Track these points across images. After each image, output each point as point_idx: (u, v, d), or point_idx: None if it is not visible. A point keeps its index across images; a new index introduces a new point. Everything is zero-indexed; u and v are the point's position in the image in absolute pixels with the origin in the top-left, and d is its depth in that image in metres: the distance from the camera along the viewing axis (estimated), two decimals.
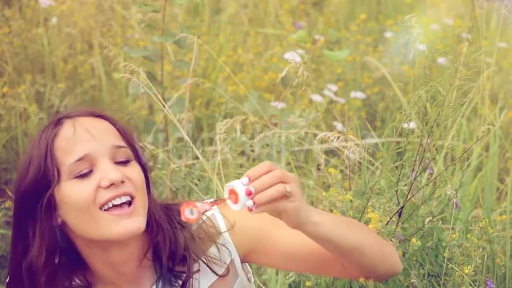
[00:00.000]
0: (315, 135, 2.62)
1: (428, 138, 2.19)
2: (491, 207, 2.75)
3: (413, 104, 2.11)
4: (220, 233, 1.83)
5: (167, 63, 3.83)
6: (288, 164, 2.91)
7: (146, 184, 1.78)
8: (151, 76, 2.96)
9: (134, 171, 1.74)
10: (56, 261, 1.75)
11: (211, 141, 3.44)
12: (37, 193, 1.75)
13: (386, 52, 4.54)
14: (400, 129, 2.19)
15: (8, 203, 3.26)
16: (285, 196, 1.61)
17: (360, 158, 2.38)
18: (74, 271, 1.79)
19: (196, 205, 1.64)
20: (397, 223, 2.25)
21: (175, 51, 4.12)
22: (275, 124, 3.07)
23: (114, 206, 1.70)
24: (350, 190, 2.44)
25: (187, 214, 1.64)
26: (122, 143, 1.78)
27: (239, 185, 1.59)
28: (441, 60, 3.18)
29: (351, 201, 2.31)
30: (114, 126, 1.82)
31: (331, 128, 3.58)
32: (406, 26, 2.55)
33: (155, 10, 3.11)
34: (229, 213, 1.85)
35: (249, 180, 1.60)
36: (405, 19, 2.56)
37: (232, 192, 1.60)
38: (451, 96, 2.18)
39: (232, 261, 1.84)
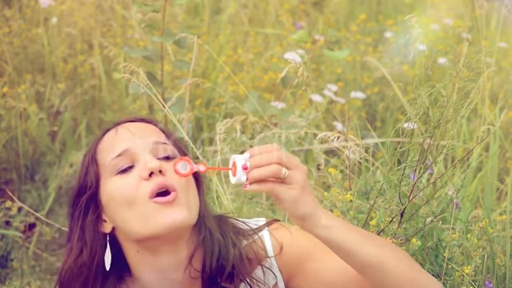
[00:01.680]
0: (315, 135, 2.62)
1: (430, 140, 2.19)
2: (491, 207, 2.75)
3: (418, 106, 2.10)
4: (268, 257, 1.81)
5: (167, 63, 3.83)
6: None
7: (197, 186, 1.77)
8: (151, 76, 2.96)
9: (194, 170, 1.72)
10: (104, 267, 1.75)
11: (211, 141, 3.44)
12: (80, 198, 1.77)
13: (386, 52, 4.54)
14: (401, 130, 2.19)
15: (8, 203, 3.26)
16: (281, 180, 1.59)
17: (360, 158, 2.38)
18: (120, 281, 1.79)
19: (191, 162, 1.64)
20: (399, 223, 2.25)
21: (175, 51, 4.12)
22: (275, 124, 3.07)
23: (157, 195, 1.68)
24: (350, 190, 2.44)
25: (179, 167, 1.64)
26: (165, 141, 1.78)
27: (240, 159, 1.59)
28: (441, 60, 3.18)
29: (351, 201, 2.31)
30: (158, 127, 1.82)
31: (331, 128, 3.58)
32: (406, 26, 2.54)
33: (155, 10, 3.11)
34: (278, 234, 1.83)
35: (250, 156, 1.59)
36: (405, 19, 2.56)
37: (234, 165, 1.60)
38: (452, 97, 2.18)
39: (276, 284, 1.82)
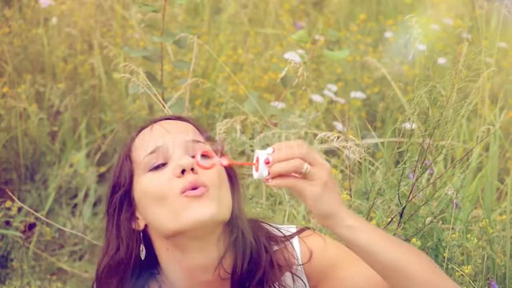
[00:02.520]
0: (315, 135, 2.62)
1: (430, 139, 2.19)
2: (491, 207, 2.75)
3: (414, 105, 2.11)
4: (298, 265, 1.80)
5: (167, 63, 3.82)
6: None
7: (232, 187, 1.77)
8: (151, 76, 2.96)
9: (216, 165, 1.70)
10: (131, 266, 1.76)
11: None
12: (114, 196, 1.78)
13: (386, 52, 4.53)
14: (400, 130, 2.18)
15: (8, 203, 3.26)
16: (303, 175, 1.57)
17: (360, 158, 2.37)
18: (150, 278, 1.79)
19: (213, 156, 1.64)
20: (399, 223, 2.25)
21: (175, 51, 4.12)
22: (275, 124, 3.07)
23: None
24: (350, 190, 2.44)
25: (199, 158, 1.64)
26: (200, 139, 1.78)
27: (263, 154, 1.59)
28: (441, 60, 3.18)
29: (349, 200, 2.32)
30: (195, 126, 1.82)
31: (331, 128, 3.58)
32: (406, 26, 2.54)
33: (155, 10, 3.11)
34: (310, 241, 1.82)
35: (273, 151, 1.58)
36: (405, 19, 2.56)
37: (258, 161, 1.59)
38: (451, 97, 2.18)
39: None
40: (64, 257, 3.40)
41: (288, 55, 3.16)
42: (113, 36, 4.52)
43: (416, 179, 2.23)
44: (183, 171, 1.69)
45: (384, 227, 2.23)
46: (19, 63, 4.25)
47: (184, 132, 1.78)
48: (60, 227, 3.19)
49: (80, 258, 3.42)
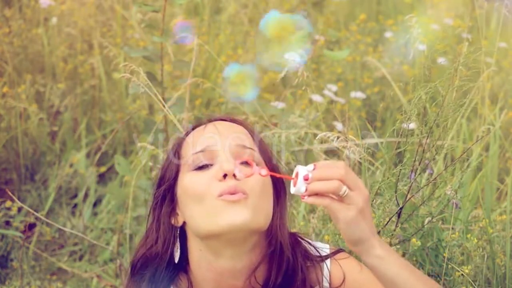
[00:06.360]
0: (315, 135, 2.61)
1: (427, 139, 2.19)
2: (491, 207, 2.75)
3: (413, 106, 2.11)
4: (329, 287, 1.80)
5: (167, 63, 3.82)
6: (288, 164, 2.90)
7: (277, 199, 1.76)
8: (151, 76, 2.96)
9: (254, 174, 1.71)
10: (169, 259, 1.76)
11: None
12: (159, 189, 1.79)
13: (386, 52, 4.53)
14: (399, 130, 2.18)
15: (8, 203, 3.26)
16: (340, 198, 1.57)
17: (360, 158, 2.37)
18: (178, 275, 1.79)
19: (252, 165, 1.65)
20: (397, 223, 2.25)
21: (175, 51, 4.12)
22: (275, 124, 3.07)
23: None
24: None
25: (237, 168, 1.66)
26: (251, 145, 1.77)
27: (303, 170, 1.59)
28: (441, 60, 3.18)
29: None
30: (249, 132, 1.81)
31: (331, 128, 3.58)
32: (406, 26, 2.54)
33: (155, 10, 3.11)
34: (343, 264, 1.82)
35: (314, 168, 1.58)
36: (405, 19, 2.56)
37: (297, 175, 1.60)
38: (450, 96, 2.17)
39: None
40: (64, 257, 3.40)
41: (288, 55, 3.15)
42: (113, 36, 4.52)
43: (414, 179, 2.23)
44: (225, 176, 1.69)
45: (383, 227, 2.23)
46: (19, 63, 4.25)
47: (235, 136, 1.77)
48: (60, 227, 3.19)
49: (80, 258, 3.42)
